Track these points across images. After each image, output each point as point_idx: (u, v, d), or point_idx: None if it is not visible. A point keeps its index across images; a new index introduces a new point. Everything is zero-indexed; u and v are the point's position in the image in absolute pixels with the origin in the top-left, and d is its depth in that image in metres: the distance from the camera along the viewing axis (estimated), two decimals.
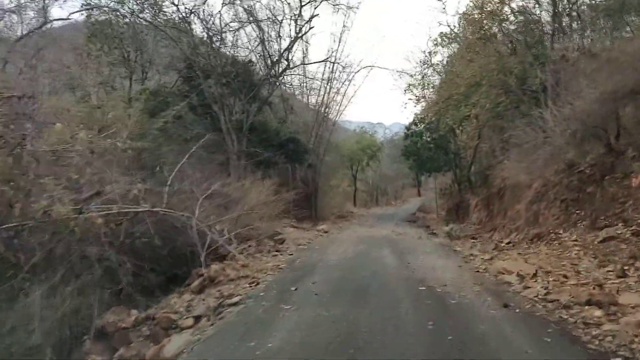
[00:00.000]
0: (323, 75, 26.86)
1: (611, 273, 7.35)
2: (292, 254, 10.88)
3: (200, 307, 6.85)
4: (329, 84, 26.79)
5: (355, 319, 5.73)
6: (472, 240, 14.48)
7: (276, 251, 11.28)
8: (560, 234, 11.40)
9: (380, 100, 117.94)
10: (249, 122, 17.78)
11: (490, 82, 18.03)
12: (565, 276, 7.33)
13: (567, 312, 5.73)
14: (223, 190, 11.53)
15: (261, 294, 7.14)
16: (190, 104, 19.10)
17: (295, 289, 7.35)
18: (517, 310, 5.97)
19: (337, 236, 15.95)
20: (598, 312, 5.48)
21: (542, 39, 16.81)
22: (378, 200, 54.26)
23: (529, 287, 6.90)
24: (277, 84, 20.24)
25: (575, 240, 10.39)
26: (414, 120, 28.80)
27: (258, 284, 7.76)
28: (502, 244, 12.37)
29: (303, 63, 21.70)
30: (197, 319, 6.40)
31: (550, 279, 7.25)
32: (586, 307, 5.70)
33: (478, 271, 8.75)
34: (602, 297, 5.83)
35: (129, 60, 22.15)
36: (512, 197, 17.41)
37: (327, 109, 28.23)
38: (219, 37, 18.00)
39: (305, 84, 27.25)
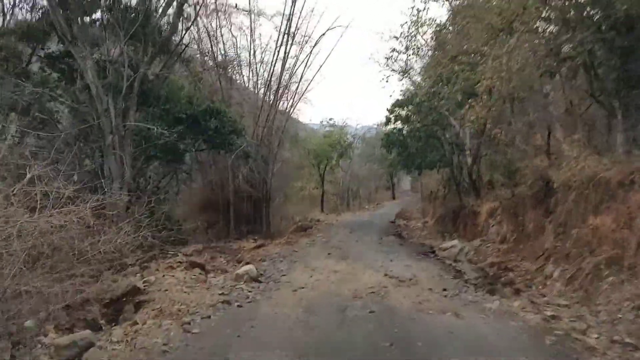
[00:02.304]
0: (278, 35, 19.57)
1: None
2: None
3: None
4: (286, 45, 19.50)
5: None
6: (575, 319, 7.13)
7: None
8: None
9: (349, 102, 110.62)
10: (137, 79, 10.32)
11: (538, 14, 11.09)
12: None
13: None
14: None
15: None
16: (49, 54, 11.53)
17: None
18: None
19: (266, 303, 7.49)
20: None
21: None
22: (349, 204, 47.19)
23: None
24: (190, 17, 12.64)
25: None
26: (397, 101, 21.75)
27: None
28: None
29: None
30: None
31: None
32: None
33: None
34: None
35: None
36: (578, 204, 10.49)
37: (283, 88, 20.92)
38: None
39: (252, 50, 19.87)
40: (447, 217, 23.08)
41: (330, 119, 38.90)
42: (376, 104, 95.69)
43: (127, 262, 8.20)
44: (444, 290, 8.00)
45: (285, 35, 19.09)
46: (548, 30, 11.20)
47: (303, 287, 8.39)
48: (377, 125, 54.28)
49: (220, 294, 7.55)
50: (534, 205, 13.54)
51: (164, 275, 7.88)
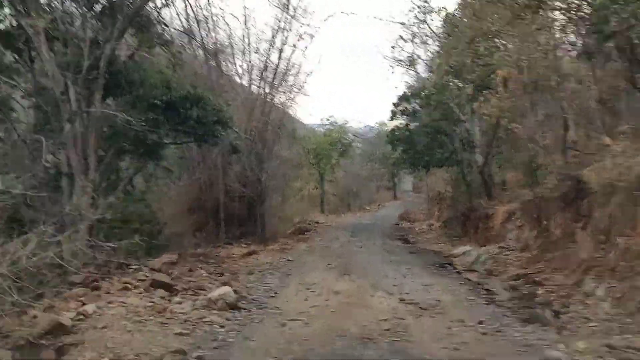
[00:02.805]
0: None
1: None
2: None
3: None
4: (283, 32, 17.93)
5: None
6: None
7: None
8: None
9: (351, 98, 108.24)
10: (103, 58, 8.71)
11: None
12: None
13: None
14: None
15: None
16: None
17: None
18: None
19: (241, 349, 5.30)
20: None
21: None
22: (350, 205, 45.48)
23: None
24: None
25: None
26: (403, 94, 20.14)
27: None
28: None
29: None
30: None
31: None
32: None
33: None
34: None
35: None
36: (624, 208, 8.87)
37: (280, 79, 19.26)
38: None
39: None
40: (456, 219, 21.48)
41: (331, 116, 37.14)
42: (377, 103, 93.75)
43: (74, 280, 6.56)
44: (480, 323, 6.19)
45: (283, 17, 17.50)
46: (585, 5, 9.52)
47: (295, 320, 6.41)
48: (379, 124, 52.80)
49: (177, 334, 5.39)
50: (561, 208, 11.93)
51: (110, 302, 6.06)
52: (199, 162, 17.48)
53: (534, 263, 11.39)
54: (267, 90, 18.71)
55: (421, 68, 22.94)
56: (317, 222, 27.64)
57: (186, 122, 9.82)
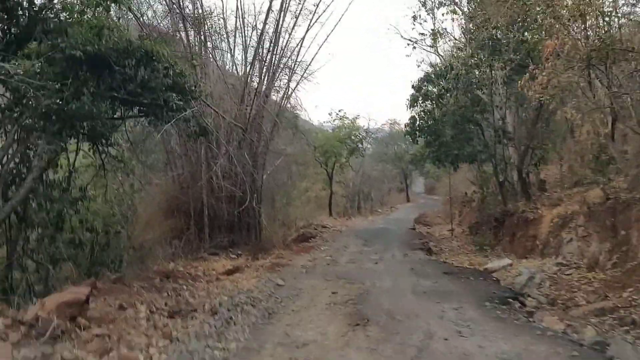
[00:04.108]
0: None
1: None
2: None
3: None
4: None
5: None
6: None
7: None
8: None
9: (358, 99, 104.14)
10: None
11: None
12: None
13: None
14: None
15: None
16: None
17: None
18: None
19: None
20: None
21: None
22: (360, 207, 42.36)
23: None
24: None
25: None
26: (426, 75, 16.98)
27: None
28: None
29: None
30: None
31: None
32: None
33: None
34: None
35: None
36: None
37: (278, 59, 16.25)
38: None
39: None
40: (486, 225, 18.35)
41: (340, 110, 33.98)
42: (388, 102, 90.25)
43: None
44: None
45: None
46: None
47: None
48: (391, 122, 49.87)
49: None
50: None
51: None
52: (182, 155, 14.64)
53: (616, 289, 8.23)
54: (264, 70, 15.76)
55: (445, 47, 19.87)
56: (324, 227, 24.69)
57: (126, 86, 6.75)
